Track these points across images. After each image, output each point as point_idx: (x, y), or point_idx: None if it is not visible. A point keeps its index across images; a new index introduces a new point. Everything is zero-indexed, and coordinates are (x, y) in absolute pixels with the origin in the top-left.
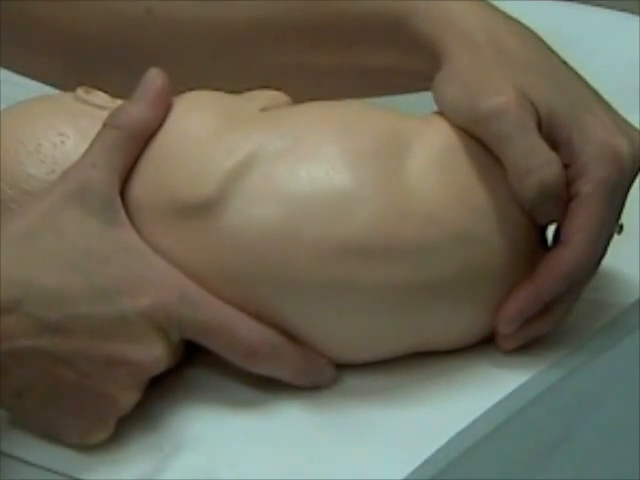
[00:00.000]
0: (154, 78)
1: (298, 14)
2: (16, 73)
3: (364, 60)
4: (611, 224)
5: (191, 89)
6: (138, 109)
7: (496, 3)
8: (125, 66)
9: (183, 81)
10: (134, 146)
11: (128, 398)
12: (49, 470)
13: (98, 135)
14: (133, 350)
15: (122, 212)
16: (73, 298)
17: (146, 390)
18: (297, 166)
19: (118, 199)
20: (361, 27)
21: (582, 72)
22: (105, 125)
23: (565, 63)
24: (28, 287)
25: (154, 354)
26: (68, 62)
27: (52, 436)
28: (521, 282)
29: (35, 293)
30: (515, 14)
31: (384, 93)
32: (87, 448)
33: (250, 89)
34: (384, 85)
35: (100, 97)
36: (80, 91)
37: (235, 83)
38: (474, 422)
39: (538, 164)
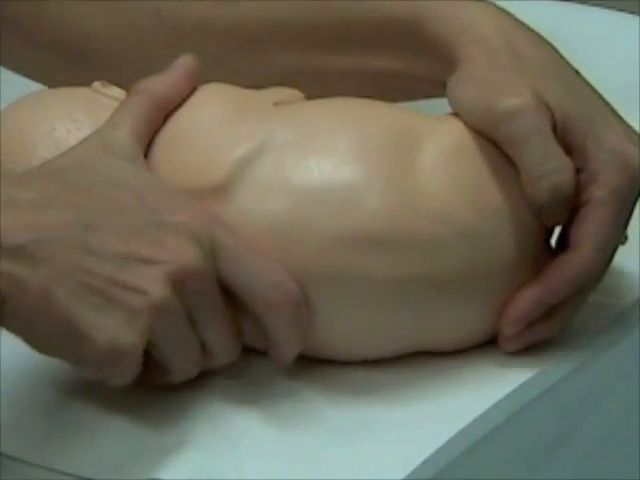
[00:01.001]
0: (187, 59)
1: (308, 16)
2: (18, 74)
3: (375, 63)
4: (620, 232)
5: None
6: (165, 79)
7: (499, 3)
8: (131, 67)
9: None
10: (156, 113)
11: (162, 294)
12: (51, 470)
13: (123, 101)
14: (167, 251)
15: (145, 165)
16: (107, 204)
17: (149, 390)
18: (307, 157)
19: (141, 155)
20: (373, 30)
21: (582, 72)
22: (131, 92)
23: (577, 72)
24: (59, 194)
25: (188, 256)
26: (72, 62)
27: (76, 343)
28: (525, 283)
29: (66, 199)
30: (515, 14)
31: (397, 98)
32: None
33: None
34: (394, 90)
35: (116, 91)
36: (97, 84)
37: (245, 84)
38: (474, 422)
39: (552, 168)
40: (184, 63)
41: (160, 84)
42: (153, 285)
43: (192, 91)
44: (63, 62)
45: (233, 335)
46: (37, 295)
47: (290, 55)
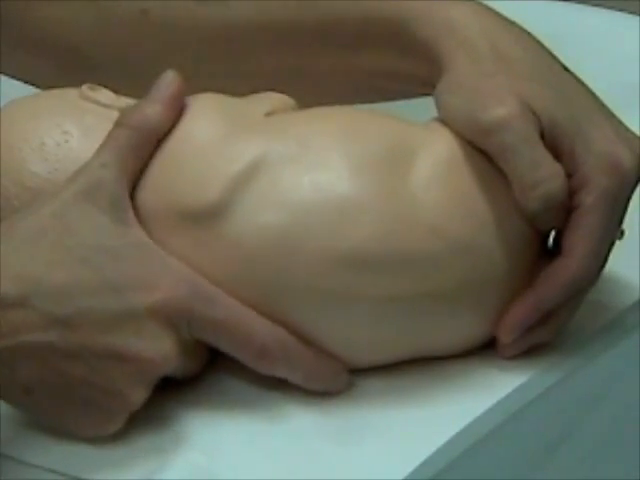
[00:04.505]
0: (170, 81)
1: (296, 16)
2: (9, 76)
3: (363, 63)
4: (613, 233)
5: (193, 90)
6: (153, 110)
7: (496, 3)
8: (121, 68)
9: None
10: (146, 147)
11: (137, 395)
12: (50, 470)
13: (110, 134)
14: (142, 346)
15: (131, 212)
16: (82, 292)
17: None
18: (301, 174)
19: (127, 200)
20: (361, 30)
21: (582, 72)
22: (118, 124)
23: (566, 69)
24: (37, 282)
25: (163, 351)
26: (62, 64)
27: (64, 431)
28: (522, 291)
29: (44, 288)
30: (515, 14)
31: (383, 98)
32: (95, 443)
33: (250, 91)
34: (383, 90)
35: (105, 95)
36: (85, 88)
37: (233, 85)
38: (474, 422)
39: (543, 177)
40: (167, 85)
41: (149, 116)
42: (130, 388)
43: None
44: (52, 63)
45: (201, 360)
46: (21, 395)
47: (278, 56)
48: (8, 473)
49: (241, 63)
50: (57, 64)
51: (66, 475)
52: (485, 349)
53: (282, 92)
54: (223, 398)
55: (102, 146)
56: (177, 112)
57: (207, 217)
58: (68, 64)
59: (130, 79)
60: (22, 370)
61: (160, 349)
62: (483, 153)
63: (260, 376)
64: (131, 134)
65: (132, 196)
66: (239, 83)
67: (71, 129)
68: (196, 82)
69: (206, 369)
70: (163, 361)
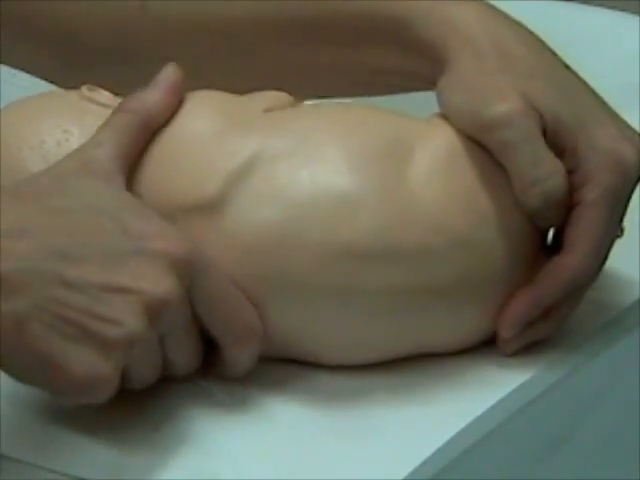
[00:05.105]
0: (170, 72)
1: (296, 12)
2: (14, 68)
3: (365, 60)
4: (614, 230)
5: (192, 86)
6: (150, 96)
7: (496, 3)
8: (122, 62)
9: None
10: (141, 131)
11: (137, 325)
12: (50, 470)
13: (108, 118)
14: (144, 280)
15: (125, 189)
16: (83, 231)
17: (147, 390)
18: (300, 169)
19: (122, 178)
20: (363, 27)
21: (582, 72)
22: (116, 110)
23: (569, 68)
24: (38, 221)
25: (165, 285)
26: (65, 57)
27: (52, 376)
28: (522, 285)
29: (45, 226)
30: (515, 14)
31: (385, 93)
32: (93, 391)
33: (250, 87)
34: (385, 86)
35: (104, 95)
36: (84, 89)
37: (233, 81)
38: (474, 422)
39: (544, 174)
40: (168, 76)
41: (146, 102)
42: (129, 317)
43: (179, 103)
44: (58, 58)
45: (197, 351)
46: (11, 329)
47: (278, 52)
48: (8, 473)
49: (240, 59)
50: (61, 58)
51: (66, 475)
52: (485, 347)
53: (281, 87)
54: (223, 398)
55: (99, 128)
56: (175, 101)
57: (205, 211)
58: (72, 58)
59: (132, 73)
60: (17, 298)
61: (162, 284)
62: (484, 148)
63: (260, 378)
64: (128, 117)
65: (130, 190)
66: (239, 79)
67: (71, 129)
68: (199, 78)
69: (206, 370)
70: (166, 295)
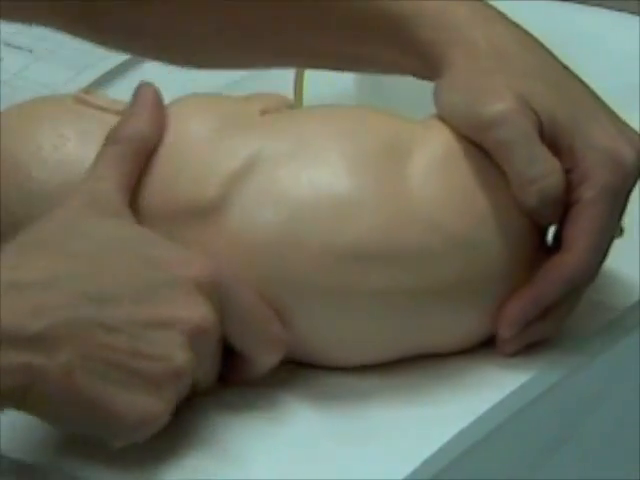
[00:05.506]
0: (147, 91)
1: (297, 9)
2: (30, 20)
3: (362, 57)
4: (613, 229)
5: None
6: (139, 120)
7: (495, 3)
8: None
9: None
10: (138, 158)
11: (183, 358)
12: (50, 470)
13: (101, 151)
14: (180, 309)
15: (132, 219)
16: (110, 271)
17: None
18: (298, 171)
19: (128, 208)
20: (359, 26)
21: (581, 72)
22: (108, 141)
23: (566, 68)
24: (65, 269)
25: (201, 311)
26: (84, 3)
27: (105, 421)
28: (522, 285)
29: (67, 273)
30: (514, 14)
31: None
32: (146, 430)
33: (257, 61)
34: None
35: (100, 99)
36: (81, 93)
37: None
38: (474, 422)
39: (541, 173)
40: (147, 95)
41: (136, 127)
42: (175, 351)
43: (164, 118)
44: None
45: (219, 366)
46: (60, 381)
47: (279, 33)
48: (8, 473)
49: (243, 38)
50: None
51: (66, 475)
52: (485, 347)
53: (282, 63)
54: (225, 398)
55: (95, 163)
56: (160, 121)
57: (205, 214)
58: (83, 9)
59: (146, 18)
60: (63, 350)
61: (198, 310)
62: (481, 149)
63: (259, 381)
64: (123, 146)
65: (131, 198)
66: (241, 53)
67: (68, 132)
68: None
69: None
70: (203, 321)
